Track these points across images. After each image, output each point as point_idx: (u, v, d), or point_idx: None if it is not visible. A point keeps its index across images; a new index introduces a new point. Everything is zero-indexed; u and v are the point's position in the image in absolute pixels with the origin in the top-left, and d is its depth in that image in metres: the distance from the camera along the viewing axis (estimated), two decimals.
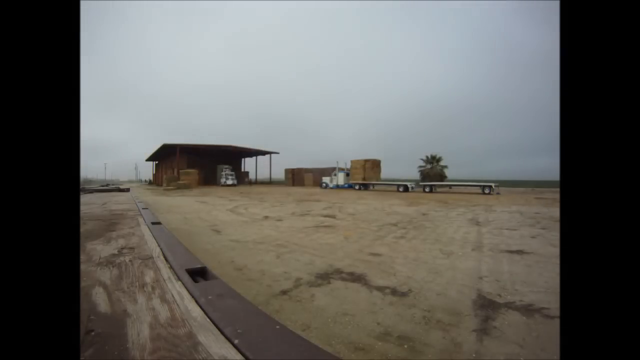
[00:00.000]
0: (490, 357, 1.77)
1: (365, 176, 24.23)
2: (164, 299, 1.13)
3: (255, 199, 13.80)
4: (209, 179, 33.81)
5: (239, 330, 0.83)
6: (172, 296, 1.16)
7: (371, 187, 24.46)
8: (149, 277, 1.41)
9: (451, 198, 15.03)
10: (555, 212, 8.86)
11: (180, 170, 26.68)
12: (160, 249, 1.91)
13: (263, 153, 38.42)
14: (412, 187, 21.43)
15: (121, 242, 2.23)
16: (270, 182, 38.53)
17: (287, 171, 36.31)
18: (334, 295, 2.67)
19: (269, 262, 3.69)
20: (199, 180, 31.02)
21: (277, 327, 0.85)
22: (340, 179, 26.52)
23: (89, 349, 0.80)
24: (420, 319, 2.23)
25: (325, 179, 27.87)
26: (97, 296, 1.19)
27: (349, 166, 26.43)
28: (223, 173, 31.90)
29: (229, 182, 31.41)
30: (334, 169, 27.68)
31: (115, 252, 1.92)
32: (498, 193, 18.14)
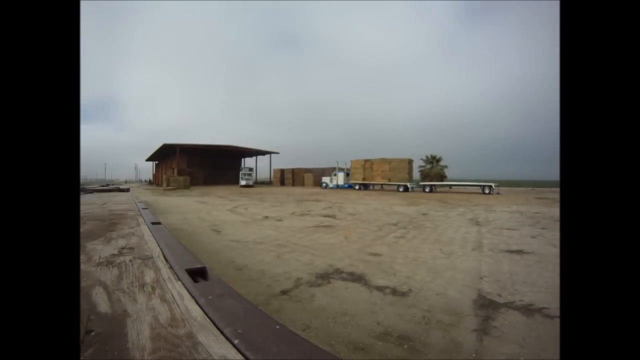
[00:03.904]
0: (491, 357, 1.77)
1: (366, 175, 24.16)
2: (164, 299, 1.13)
3: (255, 199, 13.80)
4: (209, 179, 33.81)
5: (239, 330, 0.83)
6: (172, 296, 1.16)
7: (371, 187, 24.45)
8: (149, 277, 1.41)
9: (451, 198, 15.03)
10: (555, 211, 8.85)
11: (171, 177, 26.59)
12: (160, 249, 1.91)
13: (263, 153, 38.39)
14: (412, 187, 21.42)
15: (121, 242, 2.23)
16: (270, 182, 38.47)
17: (276, 171, 36.37)
18: (334, 295, 2.67)
19: (269, 262, 3.68)
20: (199, 180, 30.98)
21: (277, 327, 0.85)
22: (340, 179, 26.53)
23: (89, 349, 0.80)
24: (420, 318, 2.23)
25: (325, 179, 27.88)
26: (97, 296, 1.19)
27: (349, 166, 26.44)
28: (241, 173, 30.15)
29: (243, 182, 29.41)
30: (334, 169, 27.68)
31: (116, 252, 1.92)
32: (498, 193, 18.14)
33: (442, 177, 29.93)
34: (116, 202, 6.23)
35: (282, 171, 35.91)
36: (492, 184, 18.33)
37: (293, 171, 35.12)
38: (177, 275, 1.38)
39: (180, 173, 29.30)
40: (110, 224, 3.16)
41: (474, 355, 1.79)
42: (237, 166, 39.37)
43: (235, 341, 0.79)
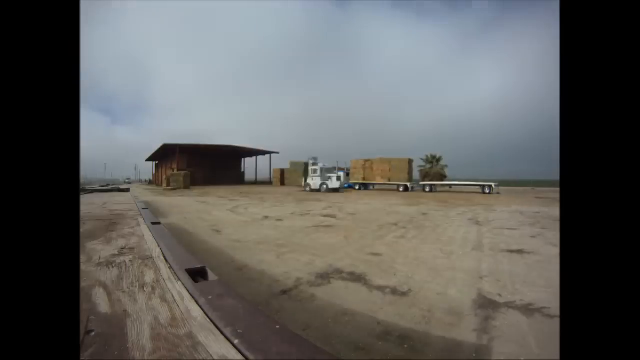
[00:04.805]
0: (490, 356, 1.77)
1: (366, 175, 24.15)
2: (164, 299, 1.14)
3: (255, 199, 13.80)
4: (209, 179, 33.82)
5: (239, 330, 0.83)
6: (172, 296, 1.16)
7: (371, 187, 24.45)
8: (149, 277, 1.41)
9: (451, 198, 15.02)
10: (555, 211, 8.85)
11: (170, 175, 26.44)
12: (160, 249, 1.91)
13: (263, 153, 38.38)
14: (413, 187, 21.41)
15: (121, 242, 2.23)
16: (270, 182, 38.46)
17: (275, 171, 36.35)
18: (334, 295, 2.66)
19: (269, 262, 3.68)
20: (199, 180, 30.99)
21: (277, 327, 0.85)
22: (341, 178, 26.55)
23: (89, 349, 0.80)
24: (421, 318, 2.23)
25: None
26: (97, 296, 1.19)
27: (349, 166, 26.43)
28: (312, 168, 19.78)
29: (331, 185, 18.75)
30: (334, 168, 27.71)
31: (116, 252, 1.92)
32: (498, 193, 18.15)
33: (442, 177, 29.89)
34: (116, 202, 6.23)
35: (283, 171, 35.90)
36: (492, 184, 18.33)
37: (282, 171, 35.13)
38: (177, 276, 1.38)
39: None
40: (110, 224, 3.16)
41: (474, 355, 1.79)
42: (237, 166, 39.14)
43: (235, 341, 0.79)
